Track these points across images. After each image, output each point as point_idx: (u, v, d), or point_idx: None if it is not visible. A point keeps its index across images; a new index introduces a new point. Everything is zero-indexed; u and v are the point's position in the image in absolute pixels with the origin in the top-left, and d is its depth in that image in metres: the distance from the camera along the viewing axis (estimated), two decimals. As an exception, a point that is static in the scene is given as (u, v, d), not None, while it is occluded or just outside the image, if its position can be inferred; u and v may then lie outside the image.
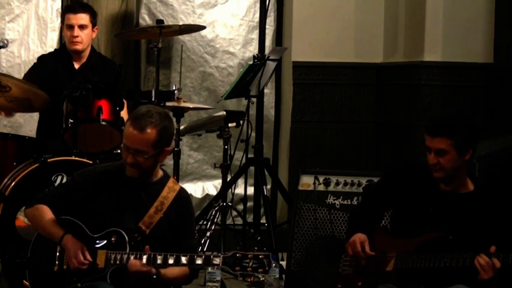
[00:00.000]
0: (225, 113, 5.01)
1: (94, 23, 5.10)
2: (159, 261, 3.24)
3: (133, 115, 3.38)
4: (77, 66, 5.11)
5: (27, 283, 3.56)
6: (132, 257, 3.27)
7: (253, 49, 6.14)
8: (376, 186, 3.90)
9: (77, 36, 5.00)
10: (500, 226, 3.45)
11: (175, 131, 4.98)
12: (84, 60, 5.11)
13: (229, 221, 5.24)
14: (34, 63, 5.16)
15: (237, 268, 3.12)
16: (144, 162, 3.37)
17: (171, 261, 3.24)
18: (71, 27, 5.01)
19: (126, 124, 3.39)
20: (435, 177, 3.50)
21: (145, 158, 3.35)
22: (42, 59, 5.16)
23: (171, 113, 5.16)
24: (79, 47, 5.04)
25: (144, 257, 3.25)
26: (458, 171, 3.50)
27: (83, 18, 5.02)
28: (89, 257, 3.34)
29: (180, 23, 5.78)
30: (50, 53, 5.25)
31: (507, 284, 3.44)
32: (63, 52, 5.13)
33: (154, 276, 3.29)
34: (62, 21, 5.11)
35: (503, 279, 3.32)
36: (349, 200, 4.45)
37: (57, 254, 3.42)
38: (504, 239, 3.39)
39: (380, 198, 3.70)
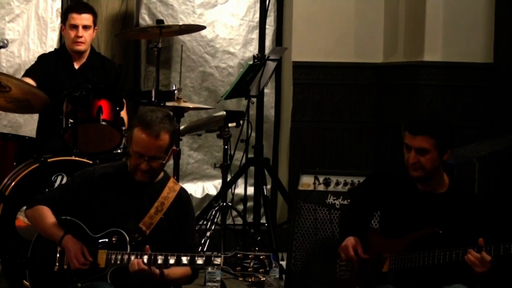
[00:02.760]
0: (225, 113, 5.01)
1: (95, 23, 5.11)
2: (159, 262, 3.25)
3: (141, 121, 3.36)
4: (76, 66, 5.11)
5: (27, 283, 3.56)
6: (132, 257, 3.27)
7: (253, 49, 6.14)
8: (359, 190, 3.88)
9: (81, 37, 5.01)
10: (483, 218, 3.46)
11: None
12: (84, 60, 5.11)
13: (229, 221, 5.24)
14: (35, 62, 5.16)
15: (238, 268, 3.13)
16: (159, 167, 3.41)
17: (171, 261, 3.24)
18: (75, 27, 5.01)
19: (134, 130, 3.37)
20: (412, 176, 3.47)
21: (161, 163, 3.38)
22: (42, 58, 5.16)
23: (170, 113, 5.18)
24: (82, 47, 5.04)
25: (145, 257, 3.25)
26: (436, 171, 3.48)
27: (87, 18, 5.02)
28: (89, 257, 3.34)
29: (180, 23, 5.79)
30: (50, 53, 5.25)
31: (505, 275, 3.45)
32: (63, 52, 5.13)
33: (157, 280, 3.30)
34: (64, 21, 5.10)
35: (499, 271, 3.32)
36: (349, 200, 4.44)
37: (57, 254, 3.42)
38: (490, 229, 3.40)
39: (365, 200, 3.69)
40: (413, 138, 3.43)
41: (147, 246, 3.29)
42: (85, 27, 5.01)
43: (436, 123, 3.44)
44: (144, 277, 3.26)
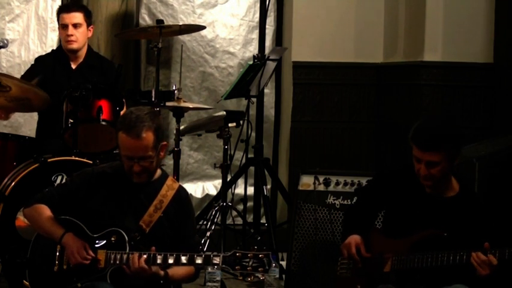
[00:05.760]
0: (225, 113, 5.01)
1: (89, 22, 5.10)
2: (158, 261, 3.25)
3: (123, 124, 3.37)
4: (74, 66, 5.11)
5: (27, 283, 3.56)
6: (131, 257, 3.27)
7: (253, 49, 6.14)
8: (367, 188, 3.87)
9: (72, 35, 5.01)
10: (489, 226, 3.45)
11: (175, 131, 4.99)
12: (81, 60, 5.12)
13: (229, 221, 5.24)
14: (32, 64, 5.18)
15: (237, 267, 3.13)
16: (150, 165, 3.40)
17: (170, 260, 3.24)
18: (65, 26, 5.03)
19: (118, 134, 3.38)
20: (423, 183, 3.46)
21: (151, 161, 3.38)
22: (39, 59, 5.17)
23: (171, 113, 5.18)
24: (74, 45, 5.04)
25: (144, 256, 3.25)
26: (446, 177, 3.47)
27: (77, 16, 5.03)
28: (91, 252, 3.34)
29: (180, 23, 5.79)
30: (47, 54, 5.27)
31: (507, 280, 3.44)
32: (60, 52, 5.15)
33: (162, 281, 3.31)
34: (58, 22, 5.12)
35: (503, 275, 3.32)
36: (349, 200, 4.44)
37: (57, 254, 3.42)
38: (495, 236, 3.39)
39: (372, 199, 3.69)
40: (423, 154, 3.39)
41: (153, 247, 3.29)
42: (75, 25, 5.02)
43: (443, 137, 3.39)
44: (149, 278, 3.26)
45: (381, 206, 3.71)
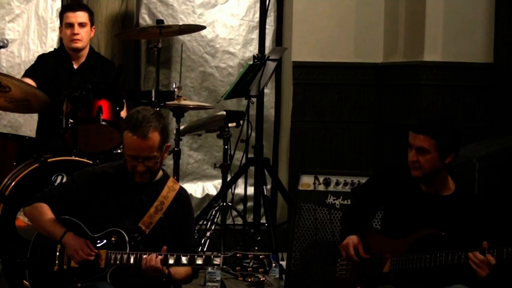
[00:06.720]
0: (225, 113, 5.01)
1: (92, 22, 5.11)
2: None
3: (129, 123, 3.36)
4: (75, 66, 5.11)
5: (27, 283, 3.56)
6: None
7: (253, 49, 6.14)
8: (364, 188, 3.87)
9: (78, 34, 5.01)
10: (487, 224, 3.45)
11: (175, 131, 4.99)
12: (83, 60, 5.12)
13: (229, 221, 5.25)
14: (34, 62, 5.17)
15: (237, 268, 3.13)
16: (155, 166, 3.40)
17: (171, 261, 3.25)
18: (70, 25, 5.02)
19: (124, 134, 3.37)
20: (413, 175, 3.48)
21: (155, 162, 3.38)
22: (42, 58, 5.16)
23: (171, 113, 5.18)
24: (79, 44, 5.04)
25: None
26: (438, 174, 3.48)
27: (82, 16, 5.04)
28: (94, 249, 3.34)
29: (180, 23, 5.78)
30: (50, 53, 5.25)
31: (506, 279, 3.45)
32: (62, 52, 5.14)
33: (164, 279, 3.31)
34: (61, 22, 5.12)
35: (501, 275, 3.32)
36: (349, 200, 4.45)
37: (57, 253, 3.42)
38: (493, 235, 3.39)
39: (370, 198, 3.69)
40: (415, 137, 3.44)
41: (165, 247, 3.28)
42: (80, 24, 5.02)
43: (439, 125, 3.43)
44: (153, 276, 3.26)
45: (377, 205, 3.71)
